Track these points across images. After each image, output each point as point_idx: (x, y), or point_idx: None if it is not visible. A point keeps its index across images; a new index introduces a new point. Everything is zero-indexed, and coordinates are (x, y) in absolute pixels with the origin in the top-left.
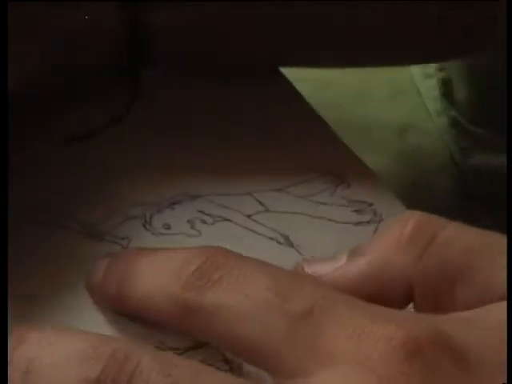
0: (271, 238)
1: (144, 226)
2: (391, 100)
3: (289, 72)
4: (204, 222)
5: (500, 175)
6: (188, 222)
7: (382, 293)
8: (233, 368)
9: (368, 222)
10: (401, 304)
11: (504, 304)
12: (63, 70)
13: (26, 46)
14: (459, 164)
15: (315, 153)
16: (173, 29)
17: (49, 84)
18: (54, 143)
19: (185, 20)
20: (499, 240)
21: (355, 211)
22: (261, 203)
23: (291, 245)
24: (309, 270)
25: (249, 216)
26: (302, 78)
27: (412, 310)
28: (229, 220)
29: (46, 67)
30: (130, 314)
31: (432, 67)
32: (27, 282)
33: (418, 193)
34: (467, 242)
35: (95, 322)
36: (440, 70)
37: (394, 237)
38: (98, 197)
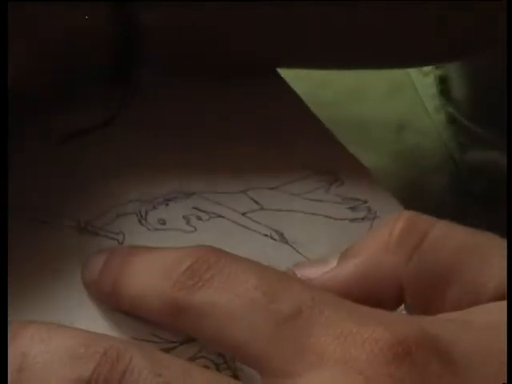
0: (266, 235)
1: (139, 221)
2: (388, 98)
3: (285, 71)
4: (199, 218)
5: (497, 173)
6: (183, 217)
7: (373, 295)
8: (227, 361)
9: (363, 219)
10: (392, 305)
11: (492, 305)
12: (61, 69)
13: (25, 45)
14: (458, 161)
15: (310, 151)
16: (167, 29)
17: (44, 84)
18: (46, 142)
19: (180, 20)
20: (489, 239)
21: (350, 208)
22: (255, 201)
23: (286, 241)
24: (299, 273)
25: (243, 214)
26: (299, 78)
27: (404, 311)
28: (223, 217)
29: (44, 67)
30: (124, 311)
31: None
32: (23, 279)
33: (415, 191)
34: (457, 242)
35: (90, 315)
36: (437, 67)
37: (384, 237)
38: (93, 194)
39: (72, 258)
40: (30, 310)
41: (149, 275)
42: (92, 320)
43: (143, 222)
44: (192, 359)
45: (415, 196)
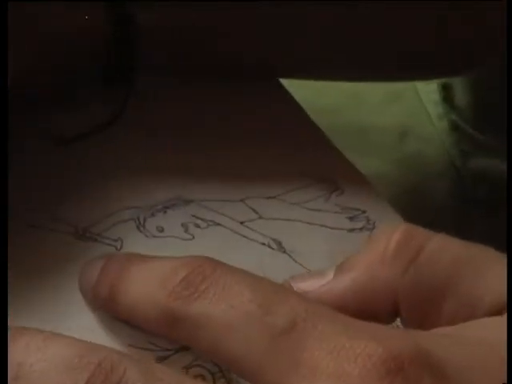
0: (263, 244)
1: (138, 228)
2: (391, 104)
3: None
4: (197, 226)
5: (500, 179)
6: (182, 225)
7: (368, 308)
8: (222, 370)
9: (361, 229)
10: (387, 318)
11: (487, 320)
12: (61, 69)
13: (25, 45)
14: (459, 168)
15: (309, 159)
16: (166, 29)
17: (43, 84)
18: (43, 144)
19: (179, 20)
20: (485, 252)
21: (348, 218)
22: (254, 210)
23: (284, 250)
24: (295, 286)
25: (242, 222)
26: (300, 84)
27: (399, 324)
28: (221, 225)
29: (44, 67)
30: (121, 319)
31: None
32: (21, 284)
33: (417, 197)
34: (453, 255)
35: (88, 322)
36: None
37: (380, 250)
38: (91, 199)
39: (70, 264)
40: (27, 316)
41: (145, 284)
42: (90, 327)
43: (141, 228)
44: (187, 367)
45: (417, 202)
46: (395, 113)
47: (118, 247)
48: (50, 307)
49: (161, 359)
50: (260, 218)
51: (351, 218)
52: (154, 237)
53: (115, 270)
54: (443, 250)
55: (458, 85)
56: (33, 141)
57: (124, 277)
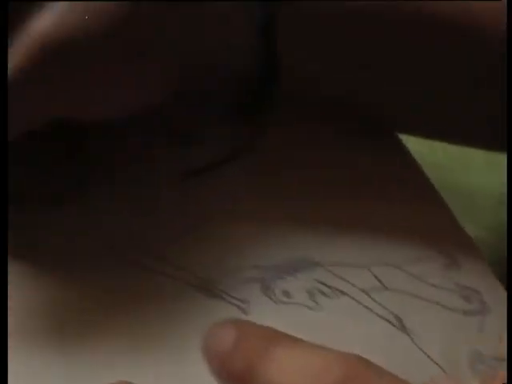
0: (386, 320)
1: (264, 290)
2: (493, 167)
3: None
4: (323, 293)
5: None
6: (307, 292)
7: None
8: None
9: (475, 313)
10: None
11: None
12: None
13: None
14: None
15: (431, 228)
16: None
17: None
18: (168, 178)
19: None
20: None
21: (463, 298)
22: (378, 279)
23: (404, 330)
24: None
25: (365, 291)
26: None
27: None
28: (346, 294)
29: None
30: None
31: None
32: (136, 334)
33: None
34: None
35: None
36: None
37: None
38: (215, 250)
39: (190, 316)
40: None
41: (292, 374)
42: None
43: (268, 291)
44: None
45: None
46: (497, 177)
47: (245, 310)
48: (170, 367)
49: None
50: (384, 288)
51: (466, 298)
52: (281, 302)
53: (255, 347)
54: None
55: None
56: (149, 175)
57: (266, 359)
